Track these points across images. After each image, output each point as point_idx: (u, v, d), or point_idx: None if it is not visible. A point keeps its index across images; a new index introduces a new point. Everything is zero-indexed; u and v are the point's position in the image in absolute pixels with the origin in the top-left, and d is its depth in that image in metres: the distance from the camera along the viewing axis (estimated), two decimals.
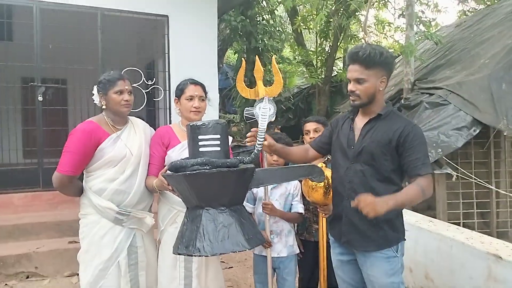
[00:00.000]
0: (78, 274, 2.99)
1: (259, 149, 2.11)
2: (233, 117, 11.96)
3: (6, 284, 3.69)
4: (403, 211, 2.12)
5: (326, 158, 2.74)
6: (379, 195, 2.01)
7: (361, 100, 2.08)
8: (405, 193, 1.97)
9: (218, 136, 1.93)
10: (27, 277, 3.82)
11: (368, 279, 2.13)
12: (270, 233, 2.63)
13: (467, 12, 10.87)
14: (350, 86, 2.09)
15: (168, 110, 5.50)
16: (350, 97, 2.12)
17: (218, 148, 1.92)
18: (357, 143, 2.13)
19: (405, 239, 2.15)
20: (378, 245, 2.09)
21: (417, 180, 1.98)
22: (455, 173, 4.82)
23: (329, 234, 2.38)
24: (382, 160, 2.06)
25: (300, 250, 2.82)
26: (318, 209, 2.65)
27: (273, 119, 2.38)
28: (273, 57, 2.84)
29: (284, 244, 2.70)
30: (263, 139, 2.16)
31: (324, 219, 2.66)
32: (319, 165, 2.48)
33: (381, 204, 1.83)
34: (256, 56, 2.94)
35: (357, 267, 2.22)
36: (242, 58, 2.95)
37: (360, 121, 2.19)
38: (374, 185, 2.07)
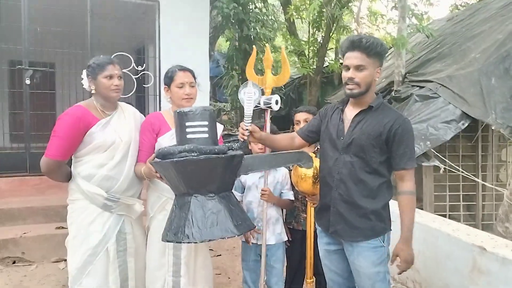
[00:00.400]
0: (65, 260, 2.99)
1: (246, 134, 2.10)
2: (224, 106, 11.91)
3: None
4: (389, 202, 2.15)
5: (316, 148, 2.75)
6: (367, 186, 2.09)
7: (360, 89, 2.06)
8: (407, 212, 2.05)
9: (206, 123, 1.91)
10: (14, 262, 3.79)
11: (355, 268, 2.16)
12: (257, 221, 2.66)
13: (459, 6, 10.91)
14: (349, 73, 2.05)
15: (158, 96, 5.45)
16: (348, 86, 2.08)
17: (206, 135, 1.91)
18: (347, 134, 2.13)
19: (391, 229, 2.18)
20: (366, 235, 2.11)
21: (404, 181, 2.07)
22: (442, 165, 4.88)
23: (316, 224, 2.39)
24: (372, 152, 2.07)
25: (288, 239, 2.83)
26: (306, 199, 2.66)
27: (277, 108, 2.38)
28: (283, 47, 2.82)
29: (271, 232, 2.71)
30: (249, 124, 2.15)
31: (312, 209, 2.68)
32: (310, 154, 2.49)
33: (411, 253, 2.04)
34: (267, 45, 2.92)
35: (343, 257, 2.25)
36: (254, 46, 2.92)
37: (350, 112, 2.18)
38: (363, 177, 2.09)
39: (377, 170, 2.09)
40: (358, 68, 2.03)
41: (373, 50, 2.02)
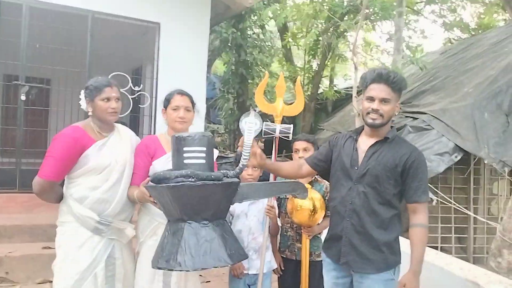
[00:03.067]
0: (50, 281, 2.90)
1: (244, 163, 2.07)
2: (217, 127, 11.94)
3: None
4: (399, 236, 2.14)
5: (313, 178, 2.74)
6: (379, 217, 2.08)
7: (383, 120, 2.09)
8: (418, 245, 2.03)
9: (204, 149, 1.90)
10: None
11: None
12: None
13: (452, 40, 11.16)
14: (374, 105, 2.07)
15: (153, 117, 5.44)
16: (370, 115, 2.10)
17: (203, 161, 1.89)
18: (362, 164, 2.13)
19: (401, 262, 2.16)
20: (378, 268, 2.09)
21: (416, 214, 2.06)
22: (435, 197, 4.88)
23: (324, 255, 2.34)
24: (386, 183, 2.08)
25: (280, 268, 2.79)
26: (302, 230, 2.64)
27: (291, 137, 2.41)
28: (298, 78, 2.85)
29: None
30: (248, 154, 2.09)
31: (307, 239, 2.65)
32: (307, 186, 2.48)
33: (417, 281, 2.02)
34: (281, 72, 2.94)
35: None
36: (266, 72, 2.95)
37: (364, 142, 2.19)
38: (376, 208, 2.08)
39: (389, 202, 2.10)
40: (384, 100, 2.07)
41: (398, 85, 2.08)
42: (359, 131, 2.26)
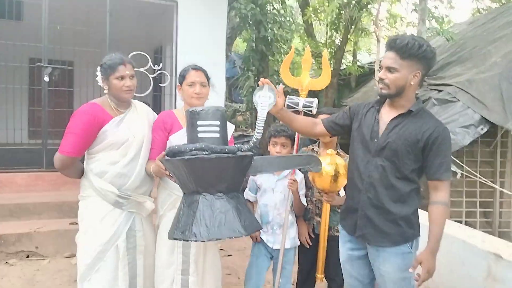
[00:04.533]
0: None
1: (258, 137, 2.05)
2: (239, 106, 11.92)
3: (6, 262, 3.73)
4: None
5: (336, 151, 2.69)
6: (397, 192, 2.02)
7: (389, 90, 2.00)
8: (438, 223, 1.97)
9: (218, 123, 1.90)
10: (27, 256, 3.86)
11: (379, 273, 2.11)
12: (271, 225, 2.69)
13: (481, 10, 10.70)
14: (381, 74, 2.01)
15: (174, 96, 5.50)
16: (379, 84, 2.04)
17: (217, 135, 1.90)
18: (382, 137, 2.05)
19: (419, 235, 2.12)
20: (394, 241, 2.05)
21: (438, 191, 1.99)
22: (460, 171, 4.77)
23: (340, 227, 2.32)
24: (406, 158, 2.00)
25: (310, 236, 2.81)
26: (322, 197, 2.63)
27: (315, 111, 2.35)
28: (325, 51, 2.79)
29: (287, 236, 2.70)
30: (262, 127, 2.07)
31: (328, 209, 2.64)
32: (329, 151, 2.45)
33: (435, 265, 1.96)
34: (307, 45, 2.90)
35: (366, 262, 2.20)
36: (291, 45, 2.91)
37: (386, 114, 2.10)
38: (394, 182, 2.02)
39: (408, 177, 2.03)
40: (389, 69, 1.97)
41: (407, 52, 1.93)
42: (382, 102, 2.16)
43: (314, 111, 2.35)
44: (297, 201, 2.71)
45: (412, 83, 1.99)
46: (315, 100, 2.35)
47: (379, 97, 2.13)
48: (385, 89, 2.01)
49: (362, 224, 2.11)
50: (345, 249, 2.28)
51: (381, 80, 2.01)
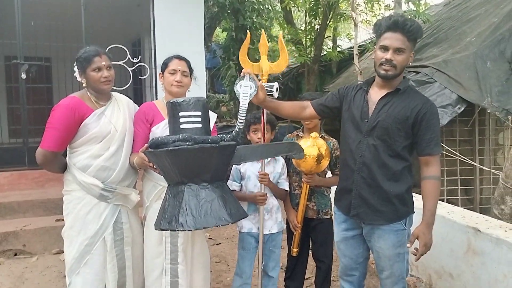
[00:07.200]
0: None
1: (241, 127, 2.08)
2: (223, 97, 11.88)
3: None
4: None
5: (320, 135, 2.74)
6: (390, 170, 2.07)
7: (396, 71, 2.02)
8: (431, 197, 2.03)
9: (199, 113, 1.92)
10: (15, 255, 3.84)
11: (375, 250, 2.17)
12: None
13: None
14: (388, 55, 2.00)
15: (154, 88, 5.45)
16: (383, 66, 2.02)
17: (199, 125, 1.91)
18: (372, 117, 2.09)
19: (414, 212, 2.18)
20: (388, 219, 2.11)
21: (429, 166, 2.05)
22: (440, 150, 4.88)
23: (335, 208, 2.37)
24: (396, 136, 2.05)
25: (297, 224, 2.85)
26: (302, 177, 2.68)
27: (276, 96, 2.36)
28: (280, 33, 2.80)
29: (274, 221, 2.76)
30: (244, 117, 2.09)
31: (306, 186, 2.69)
32: (313, 135, 2.50)
33: (431, 238, 2.02)
34: (262, 30, 2.91)
35: (360, 242, 2.26)
36: (248, 31, 2.90)
37: (375, 94, 2.14)
38: (386, 160, 2.07)
39: (400, 154, 2.07)
40: (398, 50, 1.99)
41: (414, 34, 2.00)
42: (370, 82, 2.20)
43: (276, 95, 2.36)
44: (275, 189, 2.76)
45: (410, 63, 2.08)
46: (275, 83, 2.37)
47: (382, 78, 2.10)
48: (391, 70, 2.02)
49: (357, 204, 2.16)
50: (340, 230, 2.33)
51: (388, 61, 2.00)
